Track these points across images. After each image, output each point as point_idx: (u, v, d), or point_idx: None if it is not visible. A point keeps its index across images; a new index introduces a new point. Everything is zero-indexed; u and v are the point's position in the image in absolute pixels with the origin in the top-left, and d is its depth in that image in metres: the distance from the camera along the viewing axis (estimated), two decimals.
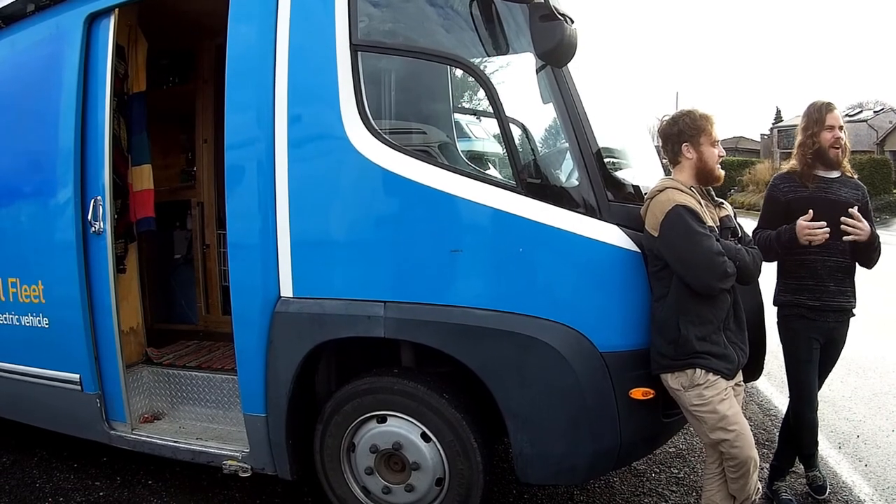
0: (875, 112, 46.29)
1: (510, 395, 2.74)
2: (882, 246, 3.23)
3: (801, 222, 3.04)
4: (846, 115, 44.20)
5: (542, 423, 2.74)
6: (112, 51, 3.41)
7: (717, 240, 2.70)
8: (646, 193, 2.81)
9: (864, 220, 3.07)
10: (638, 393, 2.76)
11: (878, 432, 4.53)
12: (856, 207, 3.13)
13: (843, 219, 3.04)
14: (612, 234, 2.71)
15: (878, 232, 3.18)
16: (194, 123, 4.47)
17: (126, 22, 3.62)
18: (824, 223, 3.00)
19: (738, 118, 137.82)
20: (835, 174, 3.25)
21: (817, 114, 3.21)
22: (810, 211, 3.04)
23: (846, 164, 3.26)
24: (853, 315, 3.31)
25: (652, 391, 2.78)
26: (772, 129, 50.04)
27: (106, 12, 3.43)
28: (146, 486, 3.68)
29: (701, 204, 2.75)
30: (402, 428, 2.90)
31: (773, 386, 5.45)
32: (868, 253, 3.19)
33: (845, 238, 3.07)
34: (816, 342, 3.24)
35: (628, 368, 2.76)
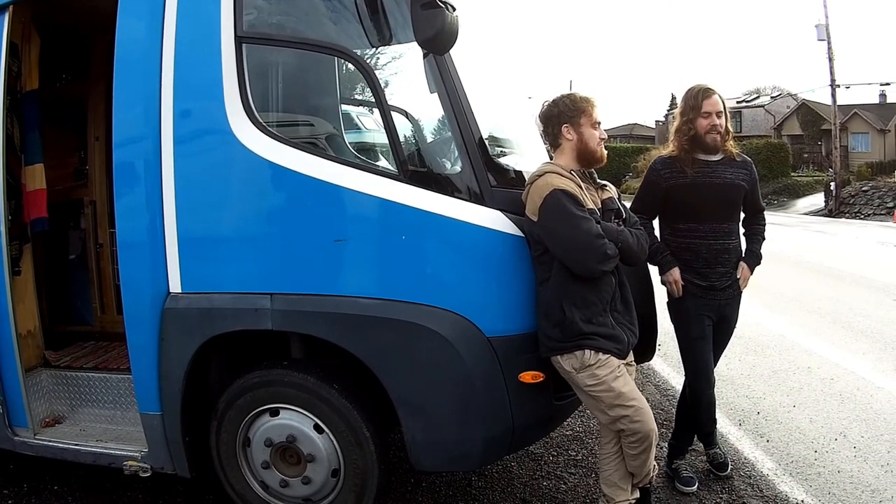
0: (772, 97, 46.98)
1: (399, 383, 2.75)
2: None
3: (675, 277, 3.26)
4: (743, 100, 44.68)
5: (433, 410, 2.76)
6: (6, 48, 3.32)
7: (598, 222, 2.74)
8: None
9: (746, 270, 3.31)
10: (527, 376, 2.78)
11: (778, 408, 4.61)
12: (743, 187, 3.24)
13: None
14: (495, 220, 2.73)
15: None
16: (87, 121, 4.38)
17: (20, 19, 3.53)
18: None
19: (633, 105, 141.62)
20: (717, 157, 3.28)
21: (693, 100, 3.22)
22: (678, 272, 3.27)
23: (730, 146, 3.28)
24: (741, 294, 3.38)
25: (542, 374, 2.81)
26: (667, 116, 49.41)
27: (0, 10, 3.34)
28: (52, 491, 3.60)
29: (581, 187, 2.78)
30: (294, 420, 2.89)
31: (670, 366, 5.48)
32: None
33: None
34: (708, 319, 3.30)
35: (516, 352, 2.78)
